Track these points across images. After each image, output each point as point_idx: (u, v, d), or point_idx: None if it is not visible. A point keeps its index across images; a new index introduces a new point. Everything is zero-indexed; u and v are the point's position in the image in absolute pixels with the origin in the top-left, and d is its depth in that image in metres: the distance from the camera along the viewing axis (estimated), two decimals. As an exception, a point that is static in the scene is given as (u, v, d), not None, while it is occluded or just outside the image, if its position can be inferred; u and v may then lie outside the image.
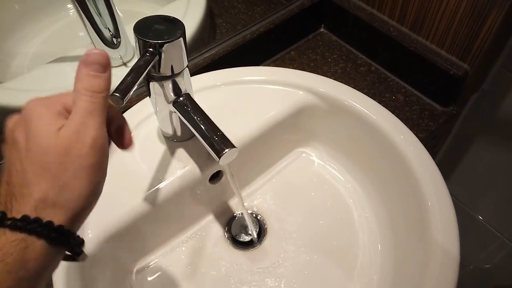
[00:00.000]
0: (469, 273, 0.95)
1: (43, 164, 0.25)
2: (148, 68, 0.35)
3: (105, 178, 0.28)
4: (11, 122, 0.27)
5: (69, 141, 0.25)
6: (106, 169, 0.28)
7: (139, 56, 0.36)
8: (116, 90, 0.32)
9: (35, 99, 0.27)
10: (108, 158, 0.28)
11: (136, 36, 0.35)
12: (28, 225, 0.23)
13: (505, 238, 0.82)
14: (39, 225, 0.24)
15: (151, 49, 0.35)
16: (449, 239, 0.41)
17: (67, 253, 0.27)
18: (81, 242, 0.27)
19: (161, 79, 0.39)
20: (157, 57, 0.36)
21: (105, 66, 0.28)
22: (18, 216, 0.24)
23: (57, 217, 0.24)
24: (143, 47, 0.36)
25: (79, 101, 0.26)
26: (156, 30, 0.36)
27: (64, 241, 0.25)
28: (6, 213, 0.24)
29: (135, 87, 0.33)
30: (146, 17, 0.37)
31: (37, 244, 0.24)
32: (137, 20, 0.37)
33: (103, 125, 0.27)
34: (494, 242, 0.85)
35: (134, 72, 0.34)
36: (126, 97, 0.32)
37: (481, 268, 0.92)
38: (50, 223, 0.24)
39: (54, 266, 0.26)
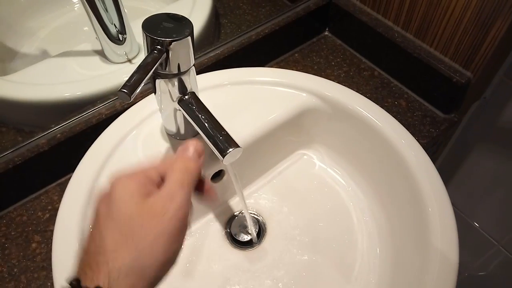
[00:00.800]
0: (464, 281, 0.96)
1: (125, 230, 0.26)
2: (155, 66, 0.35)
3: (181, 249, 0.29)
4: (98, 198, 0.29)
5: (154, 208, 0.26)
6: (183, 241, 0.29)
7: (146, 53, 0.36)
8: (124, 86, 0.32)
9: (119, 174, 0.29)
10: (187, 230, 0.29)
11: (144, 33, 0.35)
12: None
13: (500, 246, 0.83)
14: None
15: (159, 47, 0.36)
16: (448, 245, 0.41)
17: None
18: None
19: (168, 76, 0.39)
20: (165, 54, 0.36)
21: (200, 154, 0.32)
22: (92, 286, 0.24)
23: (127, 283, 0.25)
24: (151, 44, 0.36)
25: (173, 176, 0.29)
26: (165, 28, 0.36)
27: None
28: (80, 281, 0.25)
29: (143, 84, 0.34)
30: (155, 14, 0.37)
31: None
32: (143, 17, 0.37)
33: (189, 199, 0.29)
34: (490, 250, 0.86)
35: (142, 69, 0.34)
36: (133, 93, 0.33)
37: (476, 275, 0.93)
38: None
39: None
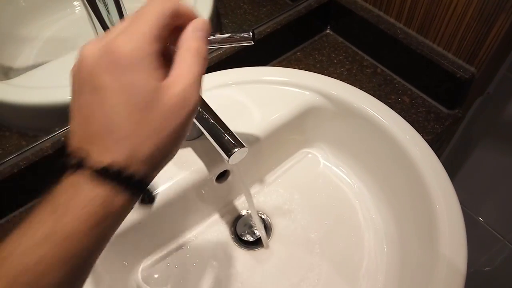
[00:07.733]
0: (470, 276, 0.95)
1: (143, 120, 0.23)
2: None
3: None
4: (89, 59, 0.24)
5: (175, 102, 0.23)
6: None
7: None
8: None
9: (120, 25, 0.24)
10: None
11: None
12: (117, 177, 0.22)
13: (506, 241, 0.83)
14: (127, 177, 0.22)
15: None
16: (456, 243, 0.41)
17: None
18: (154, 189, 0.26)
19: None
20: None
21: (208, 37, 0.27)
22: (106, 163, 0.22)
23: (142, 170, 0.23)
24: None
25: (192, 62, 0.24)
26: None
27: (145, 192, 0.24)
28: (83, 160, 0.22)
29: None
30: None
31: (121, 197, 0.22)
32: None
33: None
34: (495, 245, 0.85)
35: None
36: None
37: (482, 271, 0.93)
38: (134, 176, 0.23)
39: (126, 215, 0.24)
